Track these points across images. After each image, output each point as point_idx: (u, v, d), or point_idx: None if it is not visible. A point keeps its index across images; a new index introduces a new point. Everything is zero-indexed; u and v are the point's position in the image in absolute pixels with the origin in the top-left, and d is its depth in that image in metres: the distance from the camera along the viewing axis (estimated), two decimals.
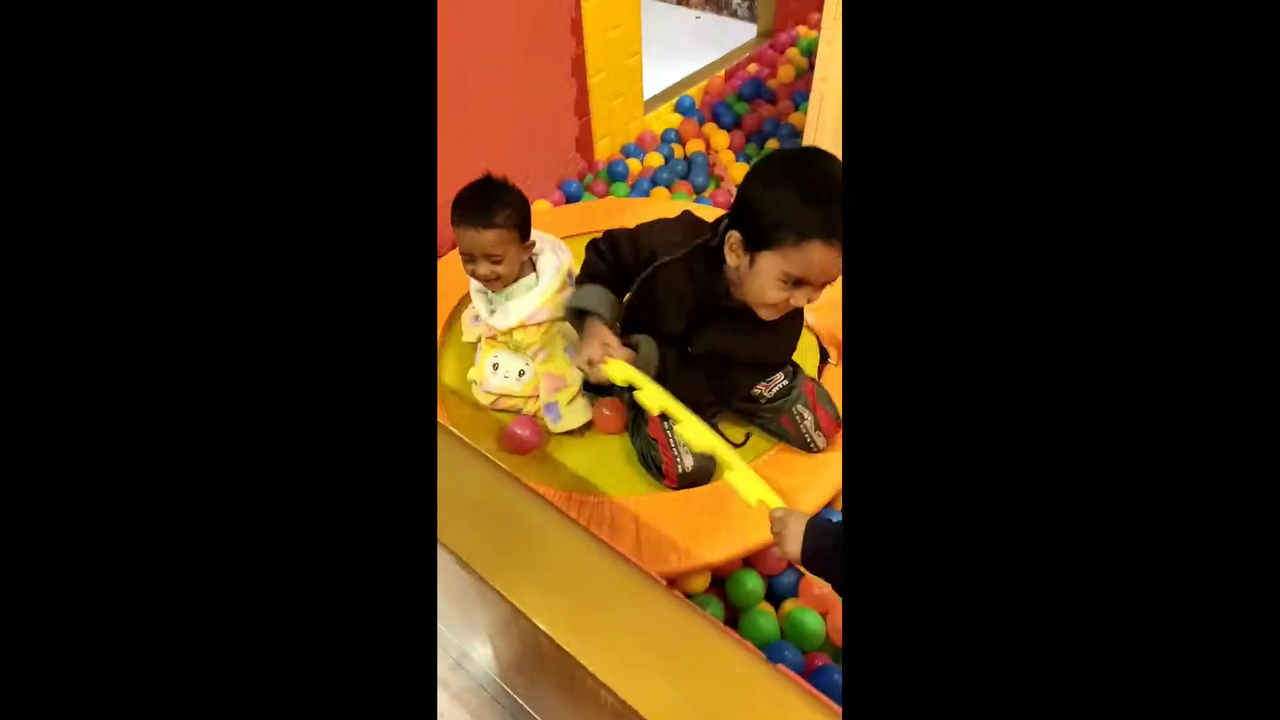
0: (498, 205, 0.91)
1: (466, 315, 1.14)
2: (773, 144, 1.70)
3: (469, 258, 0.94)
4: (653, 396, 0.76)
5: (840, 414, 0.97)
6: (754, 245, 0.75)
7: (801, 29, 2.09)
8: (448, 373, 1.10)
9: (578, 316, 0.86)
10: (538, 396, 1.01)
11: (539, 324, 0.97)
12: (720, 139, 1.70)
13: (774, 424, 0.97)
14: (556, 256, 1.00)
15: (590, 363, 0.80)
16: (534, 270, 0.99)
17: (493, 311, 1.00)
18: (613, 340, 0.82)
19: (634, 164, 1.62)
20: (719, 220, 0.84)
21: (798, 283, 0.74)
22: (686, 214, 0.88)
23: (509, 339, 1.00)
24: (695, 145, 1.69)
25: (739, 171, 1.62)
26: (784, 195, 0.71)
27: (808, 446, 0.95)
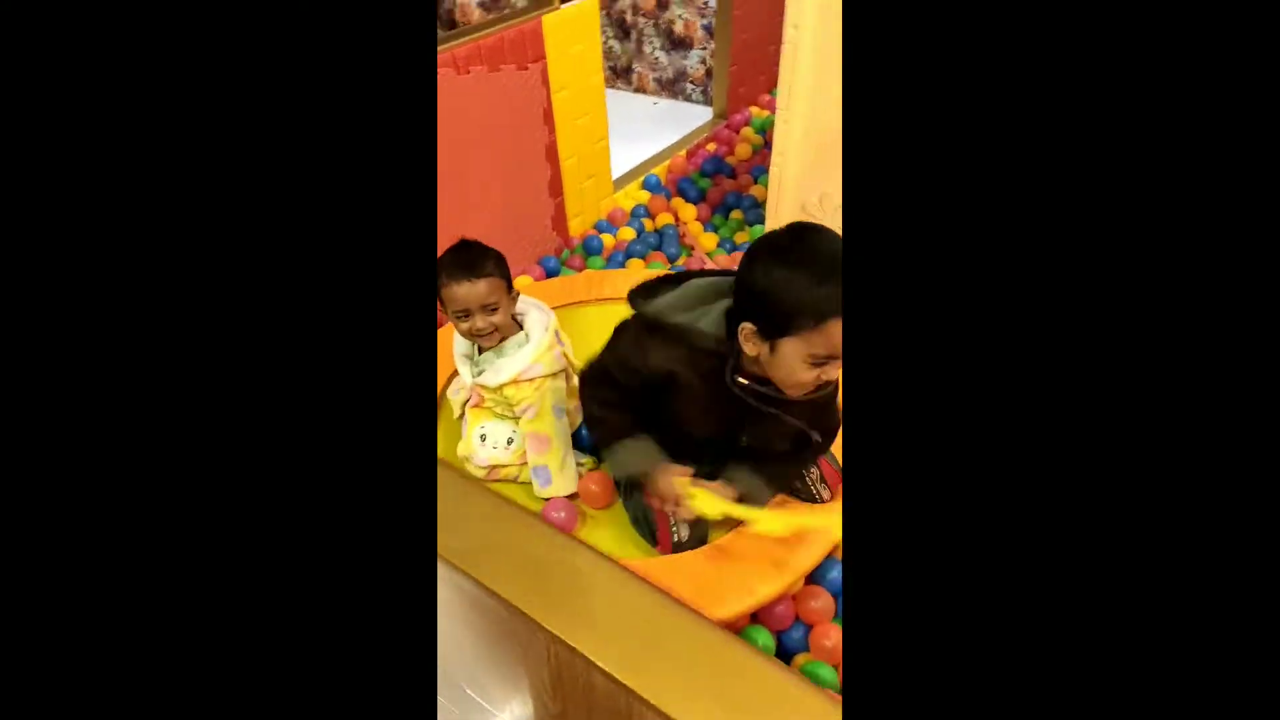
0: (483, 257, 0.95)
1: (449, 391, 1.15)
2: (736, 215, 1.79)
3: (464, 314, 0.95)
4: (768, 520, 0.83)
5: (840, 464, 0.99)
6: (772, 334, 0.74)
7: (754, 109, 2.25)
8: (440, 445, 1.10)
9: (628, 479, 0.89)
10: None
11: (531, 379, 0.99)
12: (687, 212, 1.78)
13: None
14: (543, 314, 1.03)
15: (676, 503, 0.83)
16: (520, 329, 1.02)
17: (480, 373, 1.01)
18: (686, 474, 0.84)
19: (608, 238, 1.69)
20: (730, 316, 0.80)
21: (825, 359, 0.73)
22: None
23: (499, 396, 1.01)
24: (664, 218, 1.77)
25: (708, 240, 1.70)
26: (795, 280, 0.70)
27: (814, 498, 0.97)
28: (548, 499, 0.99)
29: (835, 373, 0.75)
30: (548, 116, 1.51)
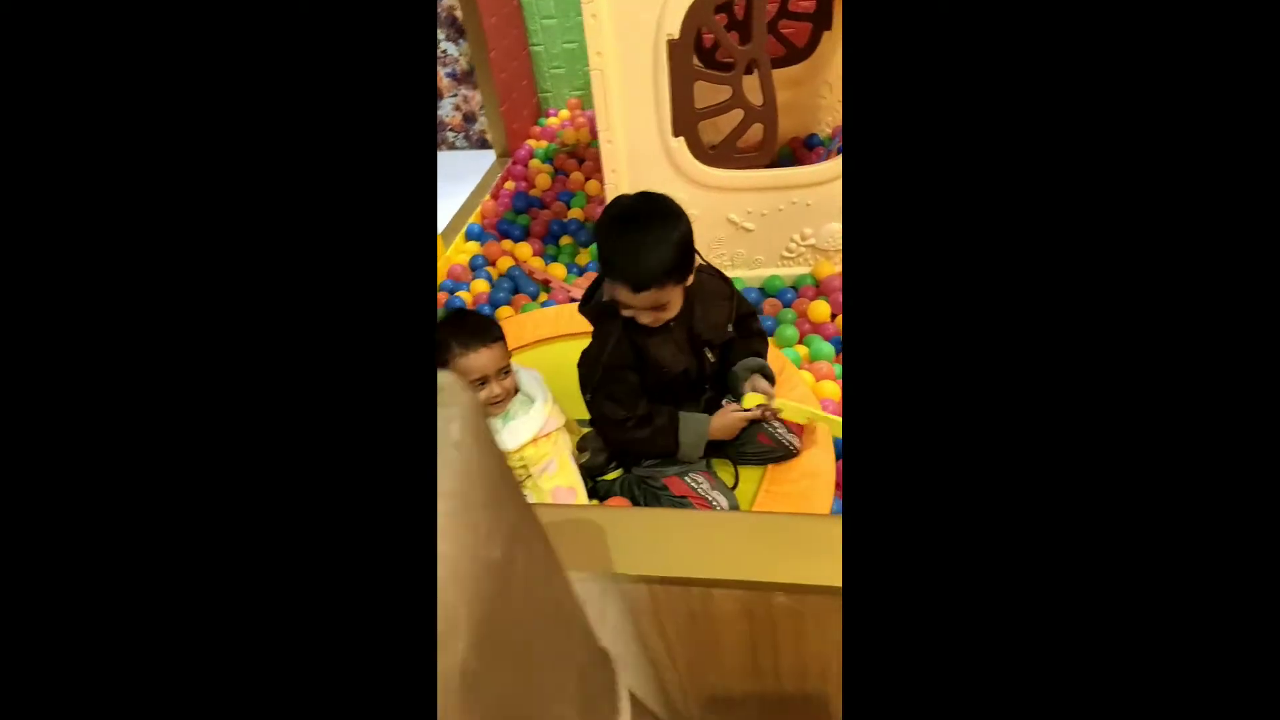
0: (487, 322, 0.94)
1: None
2: (566, 240, 1.85)
3: (482, 382, 0.93)
4: (792, 411, 1.06)
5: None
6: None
7: (530, 142, 2.31)
8: None
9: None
10: None
11: (549, 434, 0.98)
12: (523, 250, 1.80)
13: (754, 445, 1.08)
14: (531, 372, 1.02)
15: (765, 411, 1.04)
16: (517, 390, 1.00)
17: None
18: (735, 409, 1.05)
19: (465, 295, 1.65)
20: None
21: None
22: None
23: (514, 460, 0.97)
24: (505, 262, 1.77)
25: (557, 269, 1.73)
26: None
27: (788, 451, 1.08)
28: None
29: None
30: None
